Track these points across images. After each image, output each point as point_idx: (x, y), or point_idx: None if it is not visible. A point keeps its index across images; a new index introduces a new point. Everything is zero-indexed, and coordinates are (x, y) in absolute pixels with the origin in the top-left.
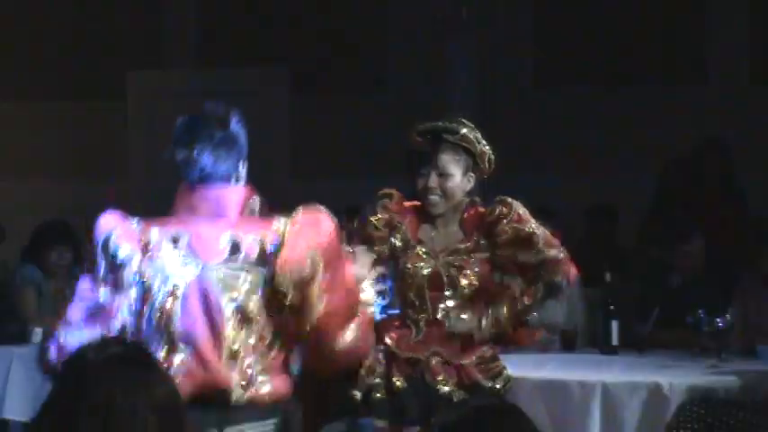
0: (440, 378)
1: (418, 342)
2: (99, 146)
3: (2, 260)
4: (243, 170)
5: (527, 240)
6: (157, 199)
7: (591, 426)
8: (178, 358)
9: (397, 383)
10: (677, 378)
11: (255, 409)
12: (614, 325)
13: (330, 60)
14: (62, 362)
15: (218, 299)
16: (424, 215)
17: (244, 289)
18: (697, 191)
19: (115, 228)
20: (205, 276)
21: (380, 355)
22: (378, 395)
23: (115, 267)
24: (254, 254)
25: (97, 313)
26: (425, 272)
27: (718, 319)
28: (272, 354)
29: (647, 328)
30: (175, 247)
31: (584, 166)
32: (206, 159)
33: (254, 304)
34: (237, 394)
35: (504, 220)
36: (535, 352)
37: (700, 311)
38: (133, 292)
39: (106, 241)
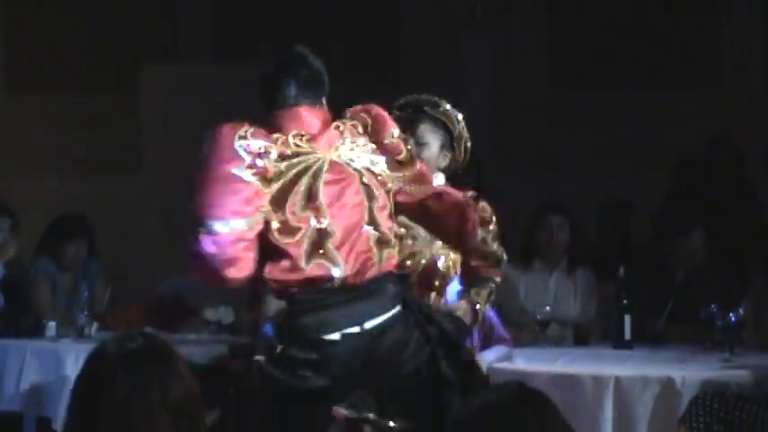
0: None
1: None
2: (113, 141)
3: (15, 256)
4: (324, 104)
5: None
6: (172, 193)
7: (603, 420)
8: (335, 237)
9: None
10: (690, 372)
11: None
12: (627, 319)
13: (344, 57)
14: (85, 359)
15: (347, 174)
16: None
17: (371, 162)
18: (709, 188)
19: (243, 126)
20: (332, 156)
21: None
22: None
23: (259, 156)
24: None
25: (247, 201)
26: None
27: (731, 314)
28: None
29: (660, 323)
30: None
31: (599, 164)
32: (293, 90)
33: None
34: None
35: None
36: (548, 346)
37: (713, 306)
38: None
39: (243, 136)
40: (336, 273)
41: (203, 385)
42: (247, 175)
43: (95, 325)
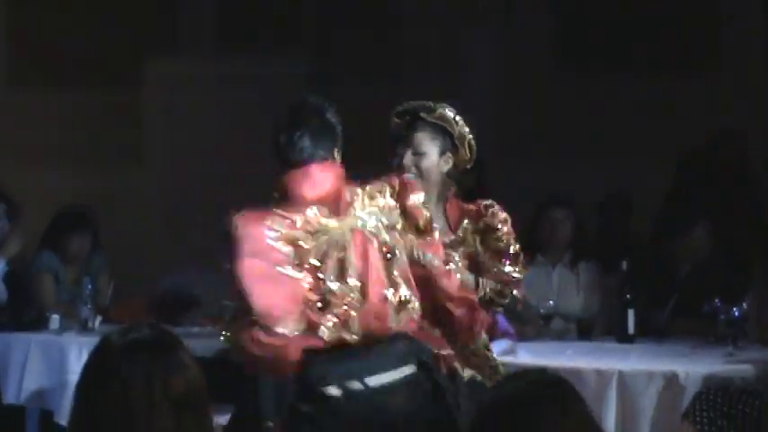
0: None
1: None
2: (115, 136)
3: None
4: (338, 157)
5: (514, 256)
6: (175, 188)
7: (607, 414)
8: (356, 303)
9: None
10: (694, 367)
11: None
12: (631, 314)
13: (346, 49)
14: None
15: (367, 239)
16: None
17: (382, 225)
18: (711, 180)
19: (265, 218)
20: (354, 224)
21: None
22: None
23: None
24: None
25: (296, 298)
26: None
27: (735, 308)
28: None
29: (663, 318)
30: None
31: (601, 155)
32: (306, 142)
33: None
34: (394, 317)
35: (505, 228)
36: (552, 340)
37: (716, 300)
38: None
39: (270, 227)
40: (351, 338)
41: (208, 378)
42: (291, 270)
43: (99, 318)
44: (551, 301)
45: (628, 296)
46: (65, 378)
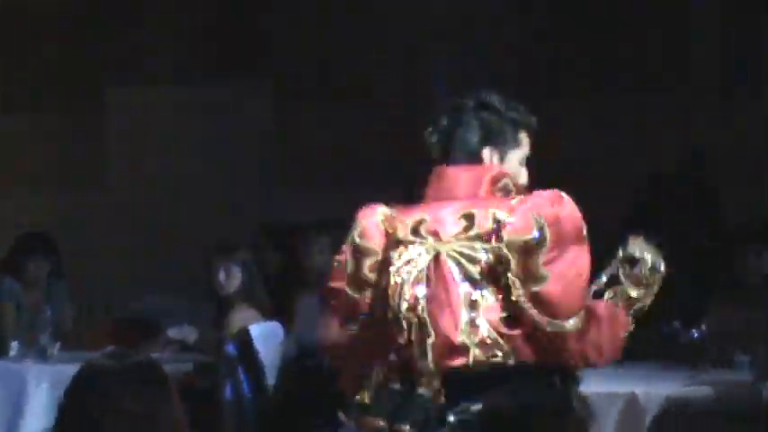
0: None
1: None
2: (77, 160)
3: None
4: (494, 153)
5: None
6: (137, 212)
7: None
8: (429, 338)
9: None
10: (653, 389)
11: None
12: None
13: (313, 73)
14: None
15: (452, 273)
16: None
17: (480, 259)
18: (669, 198)
19: (362, 222)
20: (440, 254)
21: None
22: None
23: (369, 263)
24: (486, 226)
25: (351, 313)
26: None
27: (694, 330)
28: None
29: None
30: (416, 236)
31: (560, 177)
32: (458, 142)
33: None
34: (475, 355)
35: None
36: None
37: (675, 322)
38: (378, 287)
39: (354, 238)
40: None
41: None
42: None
43: (58, 345)
44: None
45: None
46: (23, 404)
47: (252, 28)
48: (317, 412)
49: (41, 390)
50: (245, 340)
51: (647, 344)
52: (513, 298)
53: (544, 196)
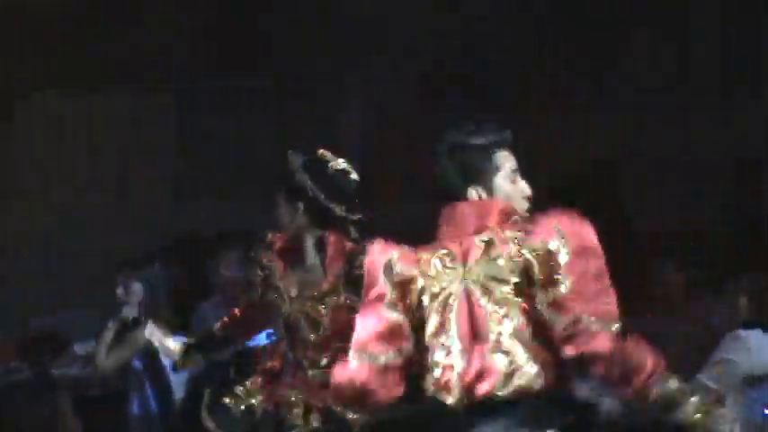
0: None
1: None
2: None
3: None
4: (479, 189)
5: None
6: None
7: None
8: (458, 366)
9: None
10: None
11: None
12: None
13: (215, 83)
14: None
15: (479, 298)
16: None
17: (504, 278)
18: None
19: (395, 251)
20: (468, 279)
21: None
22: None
23: (403, 287)
24: (510, 249)
25: (389, 336)
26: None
27: None
28: (536, 344)
29: None
30: (444, 262)
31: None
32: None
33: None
34: (501, 383)
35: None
36: None
37: None
38: (418, 310)
39: (389, 263)
40: (451, 402)
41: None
42: (391, 311)
43: None
44: None
45: None
46: None
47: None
48: None
49: None
50: (150, 355)
51: None
52: (538, 306)
53: (560, 212)
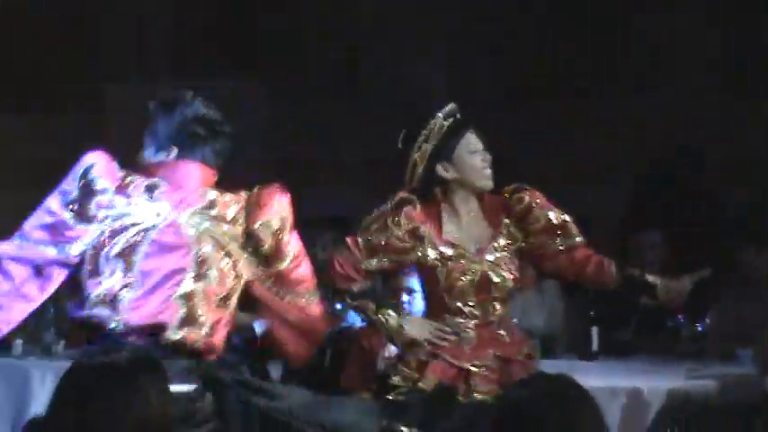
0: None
1: (466, 350)
2: (69, 160)
3: None
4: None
5: (561, 227)
6: None
7: None
8: (130, 293)
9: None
10: (656, 383)
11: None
12: (594, 331)
13: (303, 71)
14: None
15: (186, 243)
16: (442, 211)
17: (219, 236)
18: (669, 200)
19: (99, 162)
20: (177, 221)
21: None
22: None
23: (87, 196)
24: (228, 211)
25: (55, 231)
26: (472, 277)
27: (698, 324)
28: (222, 309)
29: (627, 334)
30: (151, 193)
31: (557, 177)
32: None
33: (220, 255)
34: (172, 331)
35: (536, 208)
36: None
37: (679, 316)
38: (99, 225)
39: (87, 171)
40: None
41: None
42: None
43: (62, 342)
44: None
45: (591, 313)
46: (28, 403)
47: (252, 28)
48: None
49: (45, 386)
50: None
51: (651, 338)
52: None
53: (271, 189)
